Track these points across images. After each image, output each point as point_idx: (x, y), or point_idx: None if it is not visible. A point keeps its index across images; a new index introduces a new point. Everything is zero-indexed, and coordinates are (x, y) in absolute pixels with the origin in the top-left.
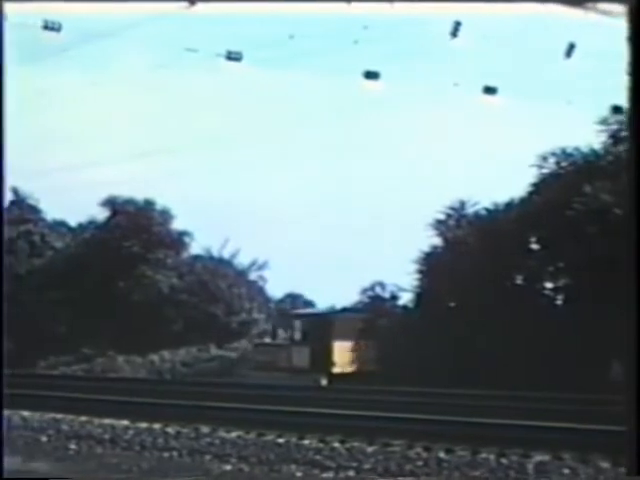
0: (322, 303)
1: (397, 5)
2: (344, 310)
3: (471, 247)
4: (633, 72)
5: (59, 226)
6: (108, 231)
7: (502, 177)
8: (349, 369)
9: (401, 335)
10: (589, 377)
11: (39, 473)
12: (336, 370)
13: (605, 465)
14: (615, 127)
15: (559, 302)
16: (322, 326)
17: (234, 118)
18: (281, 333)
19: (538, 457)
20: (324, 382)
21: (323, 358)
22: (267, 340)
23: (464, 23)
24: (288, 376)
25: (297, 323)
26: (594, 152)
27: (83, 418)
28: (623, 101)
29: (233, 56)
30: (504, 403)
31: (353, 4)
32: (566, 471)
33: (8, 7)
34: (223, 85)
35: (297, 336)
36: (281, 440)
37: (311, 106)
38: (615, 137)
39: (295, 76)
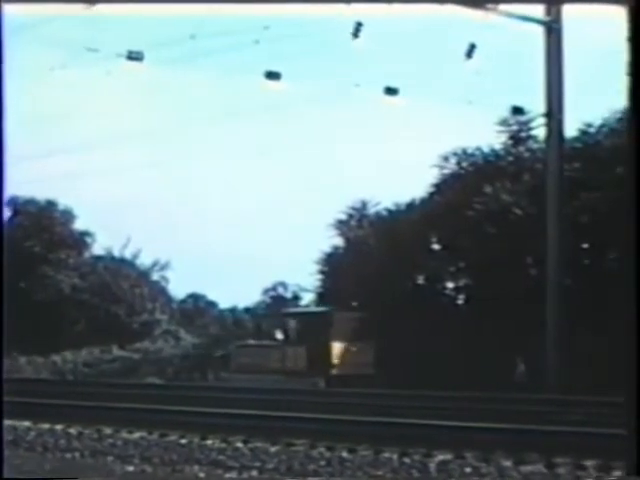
0: (225, 303)
1: (297, 6)
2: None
3: (372, 247)
4: (633, 72)
5: None
6: (9, 231)
7: (403, 177)
8: (349, 371)
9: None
10: (492, 376)
11: None
12: (335, 372)
13: (507, 464)
14: (515, 128)
15: (460, 302)
16: (319, 325)
17: (135, 118)
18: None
19: (440, 456)
20: (322, 385)
21: (320, 359)
22: (251, 341)
23: (365, 24)
24: (281, 379)
25: (291, 322)
26: (494, 152)
27: None
28: (523, 102)
29: (134, 56)
30: (406, 402)
31: (352, 5)
32: (468, 470)
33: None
34: (124, 85)
35: (280, 336)
36: (184, 441)
37: (212, 106)
38: (515, 138)
39: (196, 76)
